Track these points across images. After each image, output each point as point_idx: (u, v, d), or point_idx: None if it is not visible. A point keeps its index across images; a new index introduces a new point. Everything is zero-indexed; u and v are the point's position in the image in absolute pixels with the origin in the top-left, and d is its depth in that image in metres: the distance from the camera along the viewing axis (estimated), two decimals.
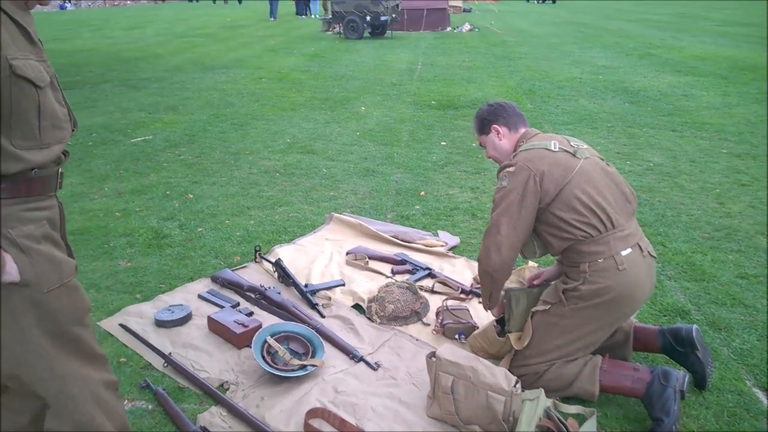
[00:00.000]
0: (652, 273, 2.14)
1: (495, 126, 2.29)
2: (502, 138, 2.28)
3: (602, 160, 2.19)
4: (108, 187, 4.51)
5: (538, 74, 9.90)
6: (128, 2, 42.22)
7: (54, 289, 1.37)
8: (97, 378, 1.49)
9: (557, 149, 2.10)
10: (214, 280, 3.07)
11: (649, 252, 2.12)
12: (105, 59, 11.86)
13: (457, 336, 2.53)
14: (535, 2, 39.95)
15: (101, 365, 1.51)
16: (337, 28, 16.91)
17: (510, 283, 2.36)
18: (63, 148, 1.40)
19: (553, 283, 2.23)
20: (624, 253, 2.03)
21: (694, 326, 2.21)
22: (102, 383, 1.50)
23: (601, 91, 8.42)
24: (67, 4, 38.03)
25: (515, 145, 2.26)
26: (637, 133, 6.15)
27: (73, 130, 1.47)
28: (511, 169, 2.09)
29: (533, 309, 2.19)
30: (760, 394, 2.26)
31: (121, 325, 2.64)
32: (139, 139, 5.90)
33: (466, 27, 18.72)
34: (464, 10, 25.44)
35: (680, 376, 2.01)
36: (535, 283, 2.36)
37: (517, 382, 1.93)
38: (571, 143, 2.15)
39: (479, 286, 2.93)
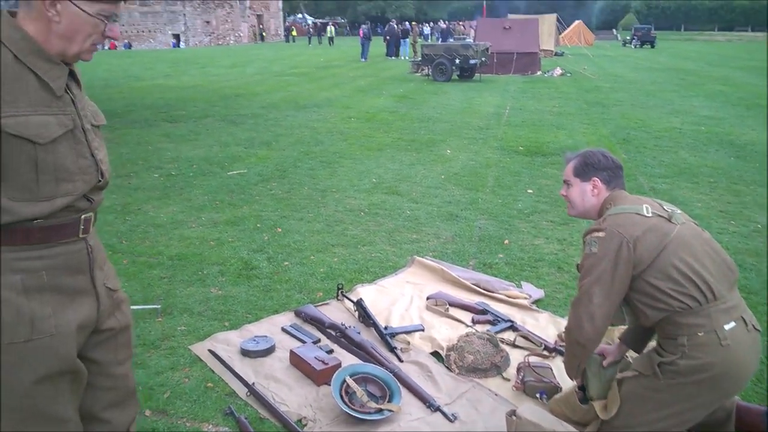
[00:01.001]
0: (757, 349, 1.98)
1: (597, 178, 2.17)
2: (597, 193, 2.18)
3: (698, 226, 2.08)
4: (204, 216, 4.80)
5: (634, 122, 9.60)
6: (231, 41, 45.27)
7: (17, 343, 1.34)
8: None
9: (650, 214, 2.00)
10: (298, 314, 3.16)
11: (753, 326, 1.97)
12: (208, 95, 12.75)
13: (538, 395, 2.45)
14: (632, 47, 39.07)
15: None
16: (426, 70, 17.25)
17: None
18: (71, 200, 1.38)
19: (646, 352, 2.11)
20: (727, 327, 1.89)
21: None
22: None
23: (703, 143, 8.01)
24: (182, 43, 41.47)
25: (602, 205, 2.16)
26: (743, 190, 5.77)
27: (99, 181, 1.45)
28: (600, 234, 1.99)
29: (620, 376, 2.09)
30: None
31: (210, 351, 2.77)
32: (234, 172, 6.24)
33: (558, 71, 18.54)
34: (556, 54, 25.26)
35: None
36: (603, 365, 2.27)
37: None
38: (665, 207, 2.05)
39: (563, 344, 2.84)
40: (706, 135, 8.55)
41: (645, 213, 2.00)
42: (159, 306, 3.18)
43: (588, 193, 2.18)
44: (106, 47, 35.06)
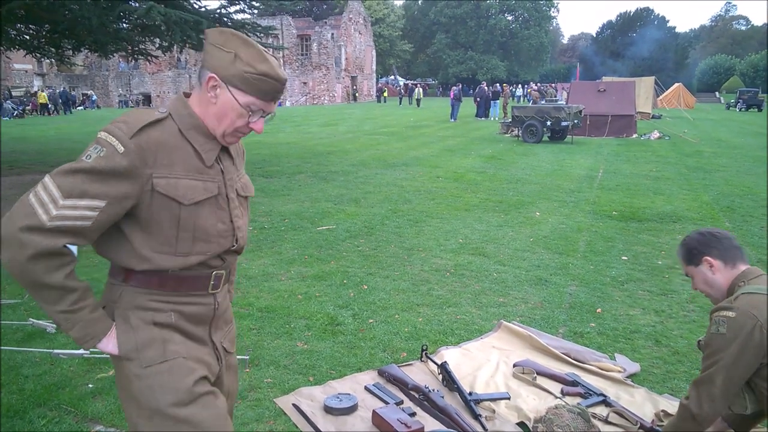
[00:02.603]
0: None
1: (707, 258, 2.08)
2: (715, 272, 2.07)
3: None
4: (294, 270, 4.97)
5: (739, 189, 9.02)
6: (325, 101, 47.68)
7: (154, 365, 1.46)
8: None
9: None
10: (381, 373, 3.16)
11: None
12: (301, 152, 13.41)
13: None
14: (737, 110, 37.17)
15: None
16: (516, 131, 17.23)
17: None
18: (204, 258, 1.51)
19: None
20: None
21: None
22: None
23: None
24: (287, 101, 44.30)
25: (732, 283, 2.04)
26: None
27: (233, 246, 1.59)
28: (730, 314, 1.89)
29: None
30: None
31: (294, 406, 2.81)
32: (323, 228, 6.46)
33: (655, 134, 17.90)
34: (653, 117, 24.46)
35: None
36: None
37: None
38: None
39: (661, 423, 2.65)
40: None
41: None
42: (248, 357, 3.29)
43: (708, 275, 2.10)
44: None
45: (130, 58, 15.38)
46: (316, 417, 2.73)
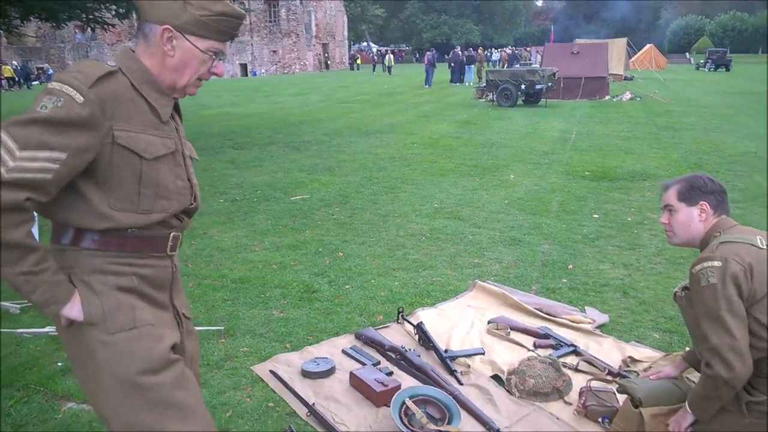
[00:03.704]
0: None
1: (705, 202, 2.04)
2: (704, 218, 2.05)
3: None
4: (268, 240, 4.95)
5: (707, 147, 9.19)
6: (296, 70, 46.85)
7: (122, 332, 1.41)
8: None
9: (764, 246, 1.90)
10: (358, 337, 3.20)
11: None
12: (273, 122, 13.20)
13: (600, 420, 2.38)
14: (706, 70, 37.54)
15: (193, 422, 1.46)
16: (490, 96, 17.20)
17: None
18: (166, 216, 1.48)
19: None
20: None
21: None
22: None
23: None
24: (258, 71, 43.32)
25: (708, 233, 2.04)
26: None
27: (192, 204, 1.56)
28: (715, 263, 1.87)
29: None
30: None
31: (271, 372, 2.84)
32: (297, 197, 6.43)
33: (627, 95, 18.04)
34: (625, 78, 24.56)
35: None
36: (651, 378, 2.18)
37: None
38: None
39: (628, 368, 2.74)
40: None
41: (759, 244, 1.90)
42: (222, 327, 3.29)
43: (695, 218, 2.05)
44: None
45: (85, 28, 14.60)
46: (294, 382, 2.76)
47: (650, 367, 2.62)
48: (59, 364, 2.94)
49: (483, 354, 2.98)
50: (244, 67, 45.65)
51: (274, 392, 2.70)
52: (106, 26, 12.80)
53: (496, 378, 2.79)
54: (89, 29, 15.41)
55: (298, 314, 3.52)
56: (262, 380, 2.80)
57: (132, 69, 1.44)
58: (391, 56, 39.91)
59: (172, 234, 1.54)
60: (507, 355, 2.96)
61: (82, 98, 1.32)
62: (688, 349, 2.45)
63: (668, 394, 2.10)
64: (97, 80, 1.35)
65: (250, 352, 3.07)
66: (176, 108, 1.58)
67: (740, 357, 1.79)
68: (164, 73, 1.46)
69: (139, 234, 1.46)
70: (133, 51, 1.48)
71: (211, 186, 6.99)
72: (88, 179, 1.39)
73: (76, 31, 42.20)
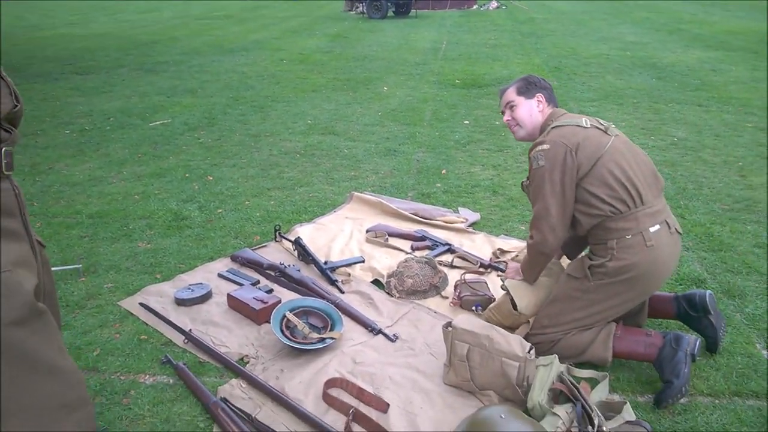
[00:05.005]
0: (677, 250, 2.12)
1: (540, 94, 2.24)
2: (542, 109, 2.24)
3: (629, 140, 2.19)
4: (126, 170, 4.54)
5: (565, 51, 9.68)
6: None
7: None
8: (44, 393, 1.27)
9: (589, 126, 2.10)
10: (234, 259, 3.07)
11: (676, 229, 2.10)
12: (121, 43, 11.91)
13: (474, 308, 2.51)
14: None
15: (53, 379, 1.29)
16: (360, 8, 16.73)
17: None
18: None
19: (579, 257, 2.20)
20: (652, 229, 2.01)
21: (708, 292, 2.22)
22: (55, 401, 1.29)
23: (629, 67, 8.22)
24: None
25: (544, 123, 2.22)
26: (662, 108, 6.03)
27: (16, 106, 1.33)
28: (545, 146, 2.05)
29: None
30: None
31: (142, 304, 2.65)
32: (157, 122, 5.93)
33: (493, 5, 18.39)
34: None
35: (692, 340, 2.02)
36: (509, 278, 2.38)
37: (531, 349, 1.94)
38: (601, 122, 2.15)
39: (498, 260, 2.91)
40: (631, 59, 8.77)
41: (584, 124, 2.10)
42: (80, 266, 3.00)
43: (535, 109, 2.24)
44: None
45: None
46: (168, 311, 2.61)
47: (517, 256, 2.78)
48: None
49: (363, 262, 2.99)
50: None
51: (147, 325, 2.54)
52: None
53: (376, 283, 2.83)
54: None
55: (168, 243, 3.30)
56: (132, 314, 2.61)
57: None
58: None
59: (3, 149, 1.29)
60: (386, 260, 3.00)
61: None
62: None
63: (546, 295, 2.25)
64: None
65: (116, 287, 2.85)
66: None
67: (553, 231, 2.05)
68: None
69: None
70: None
71: (53, 116, 6.21)
72: None
73: None
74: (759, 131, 5.18)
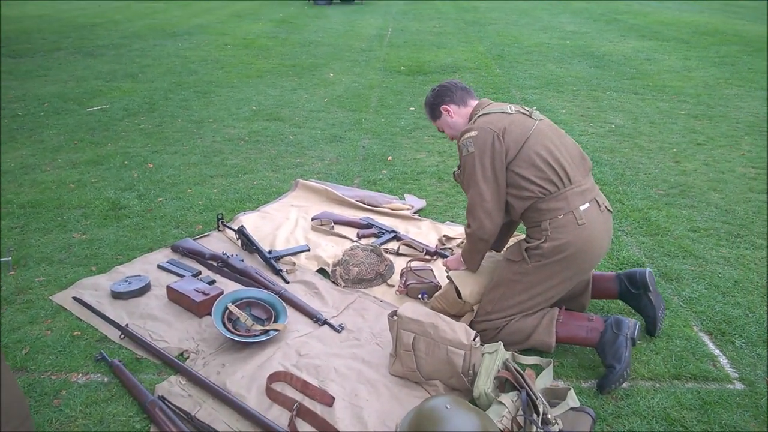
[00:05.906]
0: (609, 227, 2.17)
1: (444, 107, 2.29)
2: (453, 116, 2.29)
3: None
4: (61, 158, 4.32)
5: (508, 39, 9.81)
6: None
7: None
8: None
9: (513, 111, 2.16)
10: (175, 249, 2.97)
11: (606, 207, 2.16)
12: (58, 26, 11.32)
13: (420, 296, 2.51)
14: None
15: None
16: None
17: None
18: None
19: (517, 241, 2.23)
20: (582, 208, 2.06)
21: (647, 270, 2.30)
22: None
23: (568, 55, 8.42)
24: None
25: (469, 118, 2.26)
26: (600, 96, 6.22)
27: None
28: (473, 133, 2.09)
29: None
30: (706, 338, 2.36)
31: (75, 299, 2.54)
32: (95, 108, 5.66)
33: None
34: None
35: (631, 324, 2.08)
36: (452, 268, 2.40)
37: (476, 337, 1.94)
38: (525, 108, 2.21)
39: (444, 246, 2.92)
40: (571, 48, 8.98)
41: (509, 111, 2.15)
42: (9, 258, 2.84)
43: (449, 120, 2.30)
44: None
45: None
46: (103, 305, 2.50)
47: (462, 242, 2.80)
48: None
49: (308, 250, 2.95)
50: None
51: (81, 320, 2.43)
52: None
53: (322, 271, 2.80)
54: None
55: (104, 234, 3.17)
56: (65, 309, 2.49)
57: None
58: None
59: None
60: (332, 249, 2.97)
61: None
62: None
63: (489, 281, 2.27)
64: None
65: (48, 281, 2.71)
66: None
67: (489, 216, 2.08)
68: None
69: None
70: None
71: None
72: None
73: None
74: (692, 118, 5.41)
